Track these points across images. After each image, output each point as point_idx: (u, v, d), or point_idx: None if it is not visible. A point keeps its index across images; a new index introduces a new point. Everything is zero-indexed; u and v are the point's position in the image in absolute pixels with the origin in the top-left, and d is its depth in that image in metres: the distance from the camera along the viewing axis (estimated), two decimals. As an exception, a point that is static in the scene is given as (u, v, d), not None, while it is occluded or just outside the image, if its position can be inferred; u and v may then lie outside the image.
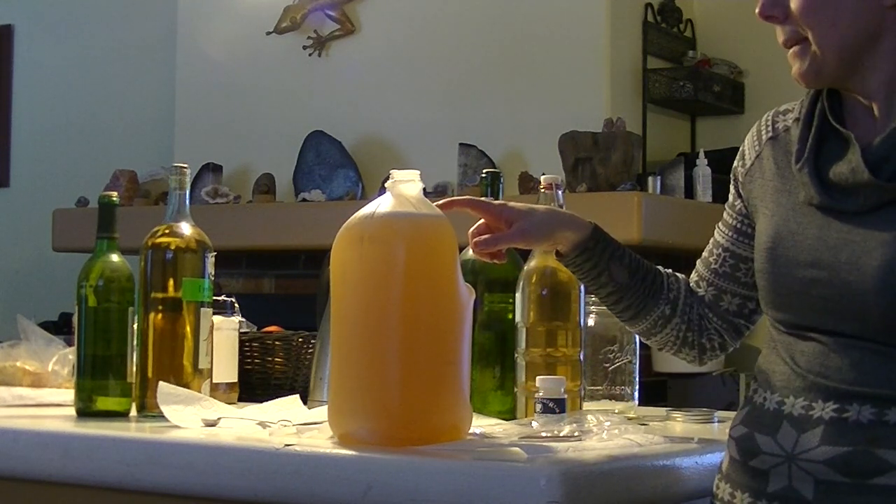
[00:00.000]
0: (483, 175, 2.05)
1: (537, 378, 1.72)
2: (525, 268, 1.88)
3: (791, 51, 1.46)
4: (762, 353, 1.52)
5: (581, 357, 1.87)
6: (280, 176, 5.27)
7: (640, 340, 1.91)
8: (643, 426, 1.77)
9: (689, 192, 4.65)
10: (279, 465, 1.50)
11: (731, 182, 1.62)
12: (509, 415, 1.87)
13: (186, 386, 1.87)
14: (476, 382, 1.87)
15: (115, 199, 1.97)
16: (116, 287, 1.91)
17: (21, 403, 2.07)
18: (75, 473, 1.67)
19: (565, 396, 1.70)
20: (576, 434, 1.58)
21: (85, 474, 1.66)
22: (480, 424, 1.67)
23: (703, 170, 4.64)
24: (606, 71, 4.76)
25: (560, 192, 1.88)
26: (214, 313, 2.02)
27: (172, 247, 1.93)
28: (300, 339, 2.32)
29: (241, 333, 2.25)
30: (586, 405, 1.90)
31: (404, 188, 1.58)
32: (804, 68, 1.45)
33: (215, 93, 5.60)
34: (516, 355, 1.88)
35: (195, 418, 1.75)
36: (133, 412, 1.91)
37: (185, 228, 1.95)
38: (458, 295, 1.56)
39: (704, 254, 1.67)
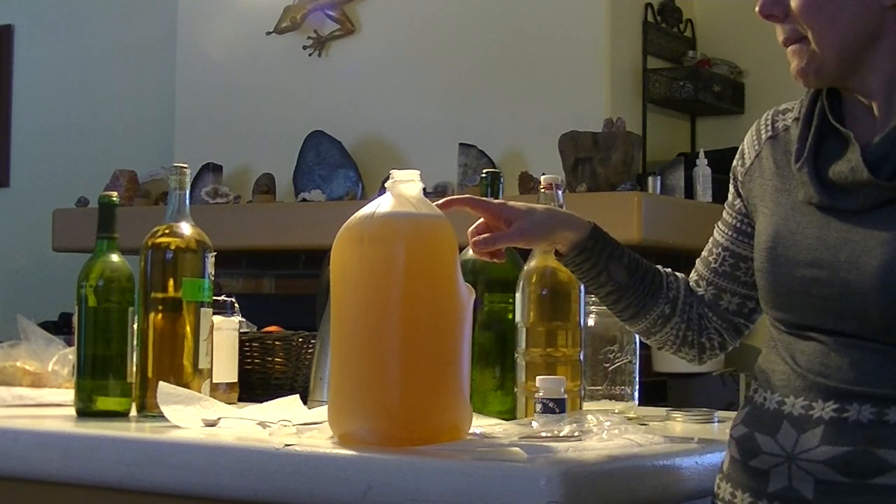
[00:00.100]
0: (483, 175, 2.05)
1: (537, 378, 1.72)
2: (525, 268, 1.88)
3: (790, 50, 1.46)
4: (762, 353, 1.52)
5: (581, 357, 1.87)
6: (280, 176, 5.27)
7: (640, 340, 1.91)
8: (643, 426, 1.77)
9: (689, 192, 4.65)
10: (279, 465, 1.50)
11: (731, 181, 1.62)
12: (509, 415, 1.87)
13: (186, 386, 1.87)
14: (476, 382, 1.87)
15: (115, 199, 1.97)
16: (116, 287, 1.91)
17: (21, 403, 2.07)
18: (75, 473, 1.67)
19: (565, 396, 1.70)
20: (576, 434, 1.58)
21: (85, 474, 1.66)
22: (480, 424, 1.67)
23: (703, 170, 4.64)
24: (606, 71, 4.76)
25: (560, 192, 1.88)
26: (214, 313, 2.02)
27: (172, 247, 1.93)
28: (300, 339, 2.32)
29: (241, 333, 2.25)
30: (586, 405, 1.90)
31: (404, 188, 1.58)
32: (804, 67, 1.45)
33: (215, 93, 5.60)
34: (516, 355, 1.88)
35: (195, 418, 1.75)
36: (133, 412, 1.91)
37: (185, 228, 1.95)
38: (458, 295, 1.56)
39: (704, 253, 1.67)
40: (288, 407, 1.85)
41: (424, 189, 1.61)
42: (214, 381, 2.02)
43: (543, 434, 1.59)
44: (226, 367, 2.14)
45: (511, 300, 1.90)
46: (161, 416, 1.77)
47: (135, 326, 1.92)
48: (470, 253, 1.66)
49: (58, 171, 6.26)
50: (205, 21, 5.66)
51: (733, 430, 1.50)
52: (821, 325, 1.42)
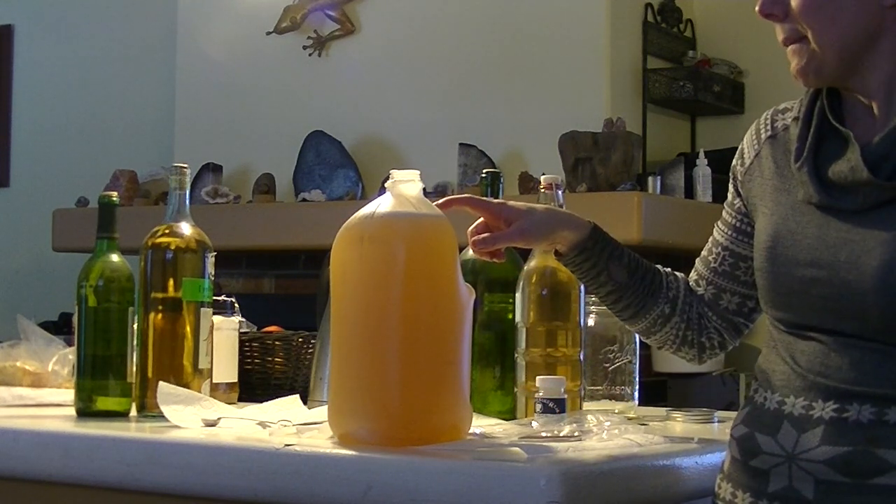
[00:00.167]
0: (483, 175, 2.05)
1: (537, 378, 1.72)
2: (525, 268, 1.88)
3: (790, 49, 1.46)
4: (762, 353, 1.52)
5: (581, 357, 1.87)
6: (280, 176, 5.27)
7: (640, 340, 1.91)
8: (643, 426, 1.77)
9: (689, 192, 4.65)
10: (279, 465, 1.50)
11: (730, 181, 1.62)
12: (509, 415, 1.87)
13: (186, 386, 1.87)
14: (476, 382, 1.87)
15: (115, 199, 1.97)
16: (116, 287, 1.91)
17: (21, 403, 2.07)
18: (75, 473, 1.67)
19: (565, 396, 1.70)
20: (576, 434, 1.58)
21: (85, 474, 1.66)
22: (480, 424, 1.67)
23: (703, 170, 4.64)
24: (606, 71, 4.76)
25: (560, 192, 1.88)
26: (214, 313, 2.02)
27: (172, 247, 1.93)
28: (300, 339, 2.32)
29: (241, 333, 2.25)
30: (586, 405, 1.90)
31: (404, 188, 1.58)
32: (803, 67, 1.45)
33: (215, 93, 5.60)
34: (516, 355, 1.88)
35: (195, 418, 1.75)
36: (133, 412, 1.91)
37: (185, 228, 1.95)
38: (458, 295, 1.56)
39: (704, 252, 1.67)
40: (288, 407, 1.85)
41: (424, 189, 1.61)
42: (214, 381, 2.02)
43: (543, 434, 1.59)
44: (226, 367, 2.14)
45: (511, 300, 1.90)
46: (161, 416, 1.77)
47: (135, 326, 1.92)
48: (470, 253, 1.66)
49: (58, 171, 6.25)
50: (205, 21, 5.66)
51: (734, 430, 1.50)
52: (821, 325, 1.42)
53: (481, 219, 1.64)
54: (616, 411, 1.89)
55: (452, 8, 5.07)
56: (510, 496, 1.37)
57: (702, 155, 4.67)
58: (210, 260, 1.97)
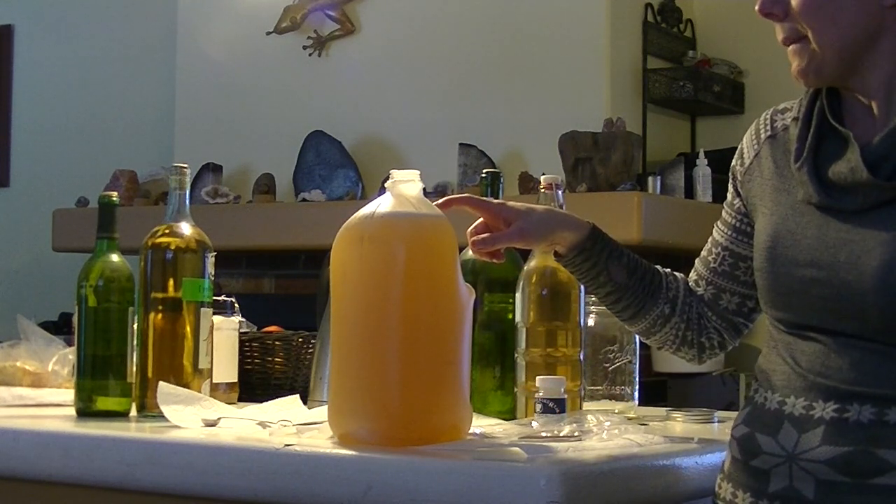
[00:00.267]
0: (483, 175, 2.05)
1: (537, 378, 1.72)
2: (525, 268, 1.88)
3: (790, 49, 1.46)
4: (762, 353, 1.52)
5: (581, 357, 1.87)
6: (280, 176, 5.27)
7: (640, 340, 1.91)
8: (643, 426, 1.77)
9: (689, 192, 4.65)
10: (279, 465, 1.50)
11: (730, 180, 1.62)
12: (509, 415, 1.87)
13: (186, 386, 1.87)
14: (476, 382, 1.87)
15: (115, 199, 1.97)
16: (116, 287, 1.91)
17: (21, 403, 2.07)
18: (75, 473, 1.67)
19: (565, 396, 1.70)
20: (576, 434, 1.58)
21: (85, 474, 1.66)
22: (480, 424, 1.67)
23: (703, 170, 4.64)
24: (606, 71, 4.76)
25: (560, 192, 1.88)
26: (214, 313, 2.02)
27: (172, 247, 1.93)
28: (300, 339, 2.32)
29: (241, 333, 2.25)
30: (586, 405, 1.90)
31: (404, 188, 1.58)
32: (803, 66, 1.45)
33: (215, 93, 5.60)
34: (516, 355, 1.88)
35: (195, 418, 1.75)
36: (133, 412, 1.91)
37: (185, 228, 1.95)
38: (458, 295, 1.56)
39: (703, 252, 1.66)
40: (288, 407, 1.85)
41: (424, 189, 1.61)
42: (214, 381, 2.02)
43: (543, 434, 1.59)
44: (226, 367, 2.14)
45: (511, 300, 1.90)
46: (161, 416, 1.77)
47: (135, 326, 1.92)
48: (470, 253, 1.65)
49: (58, 171, 6.26)
50: (205, 21, 5.66)
51: (734, 430, 1.50)
52: (821, 326, 1.42)
53: (481, 219, 1.64)
54: (616, 411, 1.89)
55: (452, 8, 5.07)
56: (510, 496, 1.37)
57: (702, 155, 4.67)
58: (210, 260, 1.97)
